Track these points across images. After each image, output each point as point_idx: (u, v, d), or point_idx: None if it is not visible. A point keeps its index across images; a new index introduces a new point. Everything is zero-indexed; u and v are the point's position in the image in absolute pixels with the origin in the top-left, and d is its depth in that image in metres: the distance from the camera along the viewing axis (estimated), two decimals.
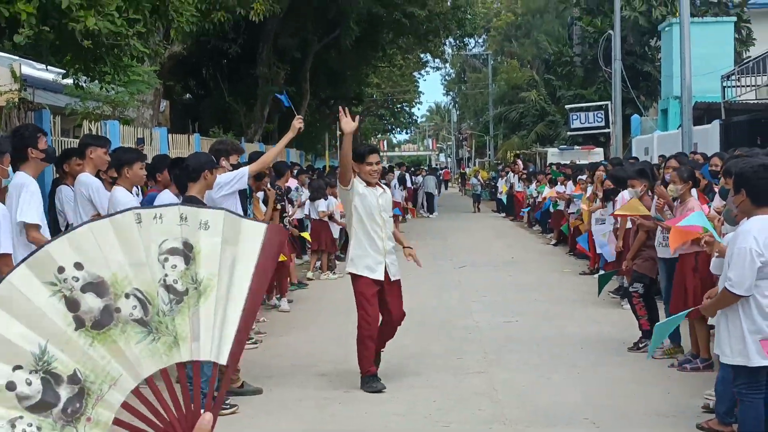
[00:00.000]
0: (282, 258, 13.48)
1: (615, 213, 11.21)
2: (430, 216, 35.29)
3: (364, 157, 8.15)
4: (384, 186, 8.52)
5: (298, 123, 8.51)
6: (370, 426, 7.20)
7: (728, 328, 5.67)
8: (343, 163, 8.34)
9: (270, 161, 9.79)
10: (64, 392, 1.75)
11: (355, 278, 8.13)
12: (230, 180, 8.06)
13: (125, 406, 1.80)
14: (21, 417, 1.71)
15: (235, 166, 8.66)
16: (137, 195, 8.71)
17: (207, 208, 1.94)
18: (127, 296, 1.82)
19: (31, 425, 1.72)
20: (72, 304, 1.78)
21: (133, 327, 1.82)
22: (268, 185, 11.41)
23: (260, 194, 11.41)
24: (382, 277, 8.04)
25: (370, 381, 8.08)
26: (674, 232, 7.62)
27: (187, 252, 1.86)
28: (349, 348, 10.07)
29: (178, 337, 1.85)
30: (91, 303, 1.80)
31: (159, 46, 13.36)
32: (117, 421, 1.80)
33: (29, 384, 1.73)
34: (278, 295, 12.86)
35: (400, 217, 25.79)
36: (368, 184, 8.15)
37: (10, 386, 1.72)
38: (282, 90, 27.07)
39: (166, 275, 1.85)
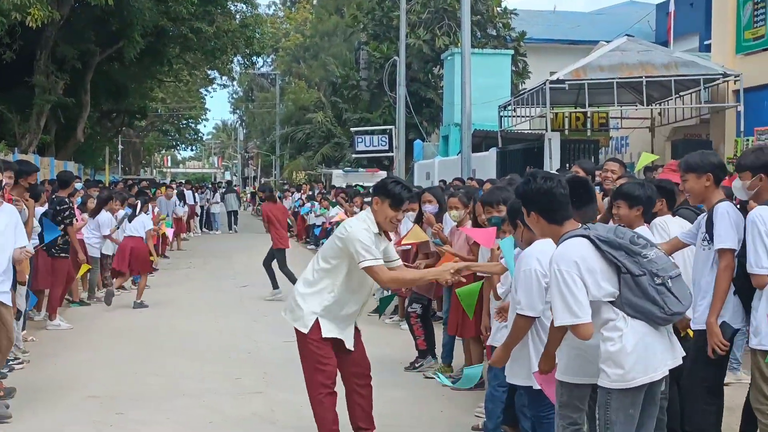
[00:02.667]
0: (85, 267, 12.90)
1: (401, 242, 11.11)
2: (233, 232, 36.04)
3: (401, 203, 6.28)
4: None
5: None
6: None
7: (517, 351, 5.64)
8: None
9: None
10: None
11: (307, 335, 6.37)
12: None
13: None
14: None
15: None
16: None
17: None
18: None
19: None
20: None
21: None
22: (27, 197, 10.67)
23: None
24: (351, 346, 6.48)
25: None
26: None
27: None
28: (124, 369, 9.79)
29: None
30: None
31: None
32: None
33: None
34: (50, 313, 12.33)
35: (181, 235, 25.00)
36: (379, 230, 6.31)
37: None
38: (60, 99, 26.10)
39: None
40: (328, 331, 6.30)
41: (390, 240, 6.53)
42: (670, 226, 6.75)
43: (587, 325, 4.54)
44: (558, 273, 4.58)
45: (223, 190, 40.50)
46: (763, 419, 5.64)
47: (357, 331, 6.60)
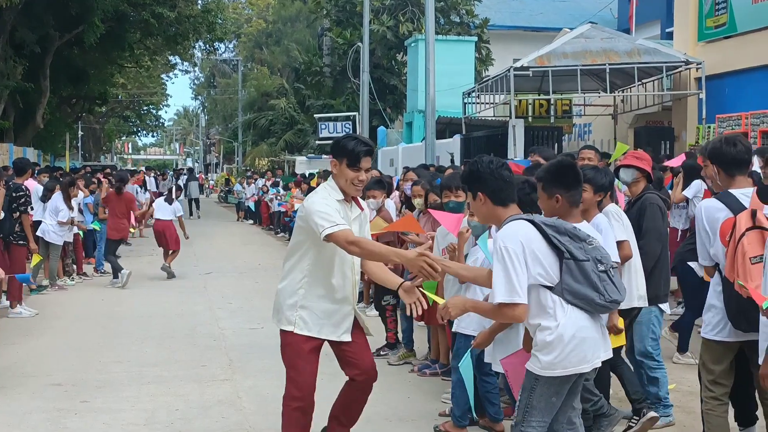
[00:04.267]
0: (36, 259, 12.81)
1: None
2: (195, 218, 35.76)
3: (358, 159, 5.59)
4: (363, 203, 6.04)
5: None
6: None
7: (501, 335, 5.70)
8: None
9: None
10: None
11: (288, 333, 5.73)
12: None
13: None
14: None
15: None
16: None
17: None
18: None
19: None
20: None
21: None
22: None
23: None
24: (348, 338, 5.77)
25: None
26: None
27: None
28: (88, 356, 9.70)
29: None
30: None
31: None
32: None
33: None
34: (15, 301, 12.21)
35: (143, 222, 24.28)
36: (344, 197, 5.69)
37: None
38: (19, 84, 25.74)
39: None
40: (308, 328, 5.64)
41: (362, 209, 5.83)
42: (622, 215, 6.77)
43: (523, 306, 4.55)
44: (504, 250, 4.58)
45: (185, 177, 40.26)
46: (702, 405, 5.75)
47: (360, 331, 5.89)
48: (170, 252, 16.83)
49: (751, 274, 5.06)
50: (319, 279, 5.66)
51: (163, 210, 17.00)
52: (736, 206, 5.47)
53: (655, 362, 7.02)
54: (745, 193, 5.56)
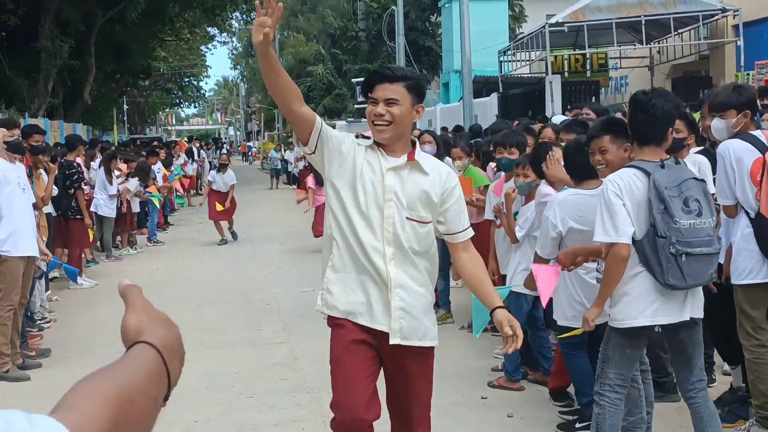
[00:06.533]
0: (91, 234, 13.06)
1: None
2: None
3: (370, 87, 4.01)
4: (422, 149, 4.22)
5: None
6: (169, 402, 7.02)
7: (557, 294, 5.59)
8: (283, 100, 3.89)
9: None
10: None
11: (331, 321, 4.18)
12: None
13: None
14: None
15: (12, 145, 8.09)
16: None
17: None
18: None
19: None
20: None
21: None
22: (48, 161, 10.74)
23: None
24: (382, 326, 3.99)
25: None
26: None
27: None
28: None
29: None
30: None
31: None
32: None
33: None
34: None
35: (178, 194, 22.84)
36: (376, 142, 4.02)
37: None
38: (66, 63, 25.94)
39: None
40: (338, 300, 4.07)
41: (413, 158, 3.99)
42: None
43: (622, 246, 4.46)
44: (605, 192, 4.53)
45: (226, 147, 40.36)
46: (747, 354, 5.62)
47: (425, 352, 4.17)
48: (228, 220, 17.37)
49: None
50: (348, 232, 4.07)
51: (217, 182, 17.26)
52: (760, 146, 5.40)
53: None
54: (760, 134, 5.51)
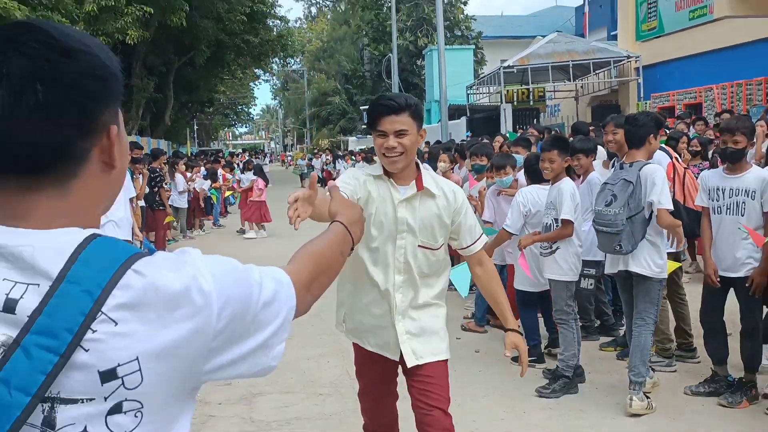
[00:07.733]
0: (169, 219, 12.98)
1: None
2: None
3: (374, 121, 2.98)
4: (430, 174, 3.18)
5: None
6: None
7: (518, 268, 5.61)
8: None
9: None
10: None
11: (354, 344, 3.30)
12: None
13: None
14: None
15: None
16: None
17: None
18: None
19: None
20: None
21: None
22: (142, 169, 10.81)
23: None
24: (395, 356, 3.12)
25: None
26: None
27: None
28: None
29: None
30: None
31: None
32: None
33: None
34: (157, 250, 12.36)
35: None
36: (386, 172, 3.04)
37: None
38: (152, 95, 25.83)
39: None
40: (352, 333, 3.24)
41: (422, 187, 3.03)
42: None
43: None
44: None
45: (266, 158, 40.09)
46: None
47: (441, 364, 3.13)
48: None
49: None
50: (360, 269, 3.18)
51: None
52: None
53: None
54: None
